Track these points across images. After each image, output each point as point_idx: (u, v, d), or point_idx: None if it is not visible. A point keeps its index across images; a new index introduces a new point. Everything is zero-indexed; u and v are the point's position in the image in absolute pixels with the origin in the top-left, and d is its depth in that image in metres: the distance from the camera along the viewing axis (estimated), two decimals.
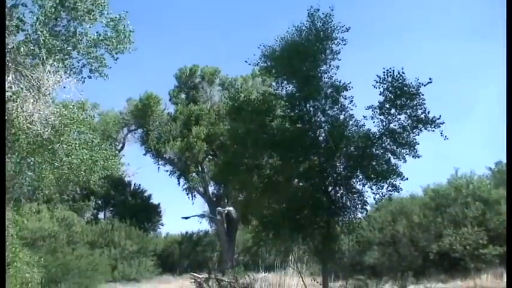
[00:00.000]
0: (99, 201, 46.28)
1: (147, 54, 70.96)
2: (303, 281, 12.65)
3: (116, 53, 12.35)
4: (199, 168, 40.63)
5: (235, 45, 78.84)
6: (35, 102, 11.54)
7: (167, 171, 40.70)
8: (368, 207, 14.75)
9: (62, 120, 11.77)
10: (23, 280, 12.41)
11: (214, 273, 16.42)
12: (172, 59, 75.70)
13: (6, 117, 11.09)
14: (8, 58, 11.77)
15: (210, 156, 41.11)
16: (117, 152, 30.24)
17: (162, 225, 49.15)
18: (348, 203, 14.18)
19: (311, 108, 14.45)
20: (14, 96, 10.95)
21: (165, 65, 76.31)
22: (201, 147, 37.95)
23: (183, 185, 40.33)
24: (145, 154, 40.91)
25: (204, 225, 50.25)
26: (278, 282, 15.29)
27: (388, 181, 13.41)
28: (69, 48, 11.90)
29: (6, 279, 9.53)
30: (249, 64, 14.76)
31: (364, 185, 13.82)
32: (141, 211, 44.79)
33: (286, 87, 14.67)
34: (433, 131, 13.15)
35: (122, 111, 42.33)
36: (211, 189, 41.85)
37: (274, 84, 15.43)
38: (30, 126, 11.28)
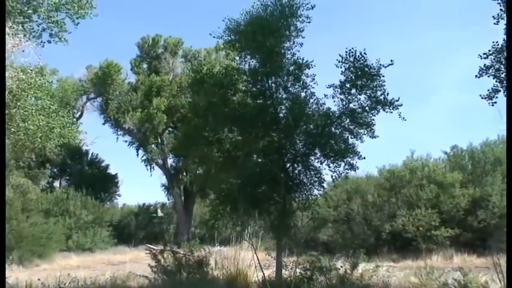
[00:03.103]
0: (55, 170, 45.76)
1: (109, 21, 69.69)
2: (256, 255, 12.77)
3: (77, 18, 12.15)
4: (159, 140, 40.43)
5: (199, 17, 78.08)
6: None
7: (126, 141, 40.55)
8: (325, 185, 14.93)
9: (19, 85, 11.56)
10: None
11: (170, 246, 16.39)
12: (134, 27, 74.56)
13: None
14: None
15: (170, 129, 40.96)
16: (75, 119, 29.79)
17: (119, 196, 49.00)
18: (305, 180, 14.28)
19: (273, 85, 14.40)
20: None
21: (128, 33, 75.14)
22: (161, 119, 37.76)
23: (142, 156, 40.21)
24: (104, 123, 40.63)
25: (162, 197, 50.17)
26: (233, 256, 15.38)
27: (345, 160, 13.61)
28: (30, 11, 11.65)
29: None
30: (213, 37, 14.57)
31: (321, 163, 13.98)
32: (98, 181, 44.47)
33: (249, 62, 14.56)
34: (391, 112, 13.34)
35: (82, 78, 41.70)
36: (170, 161, 41.84)
37: (237, 58, 15.34)
38: None
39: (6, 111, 11.69)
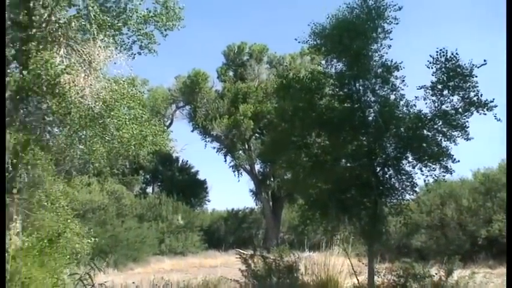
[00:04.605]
0: (148, 176, 47.16)
1: (195, 31, 71.32)
2: (349, 261, 12.54)
3: (165, 30, 12.40)
4: (246, 146, 40.82)
5: (284, 23, 78.30)
6: (87, 77, 11.71)
7: (214, 148, 41.21)
8: (417, 189, 14.49)
9: (112, 95, 11.91)
10: (72, 250, 12.72)
11: (259, 250, 16.49)
12: (220, 36, 75.83)
13: (57, 91, 11.33)
14: (59, 32, 11.99)
15: (256, 135, 41.22)
16: (165, 127, 30.63)
17: (209, 201, 49.81)
18: (397, 185, 13.96)
19: (360, 88, 14.22)
20: (68, 69, 11.15)
21: (213, 42, 76.52)
22: (248, 125, 38.06)
23: (230, 162, 40.76)
24: (192, 131, 41.49)
25: (250, 203, 50.57)
26: (323, 262, 15.20)
27: (439, 163, 13.12)
28: (120, 24, 12.01)
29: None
30: (299, 42, 14.58)
31: (413, 167, 13.58)
32: (188, 187, 45.45)
33: (336, 66, 14.46)
34: (485, 114, 12.75)
35: (171, 87, 42.86)
36: (257, 167, 42.05)
37: (323, 62, 15.27)
38: (82, 100, 11.46)
39: (100, 121, 12.13)
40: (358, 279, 12.92)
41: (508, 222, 9.27)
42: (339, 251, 15.80)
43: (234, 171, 40.91)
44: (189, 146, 55.56)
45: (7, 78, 11.32)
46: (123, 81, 12.57)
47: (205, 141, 41.06)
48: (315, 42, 14.34)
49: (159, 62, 66.11)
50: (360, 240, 16.07)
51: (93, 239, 13.19)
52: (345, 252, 14.22)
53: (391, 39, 14.06)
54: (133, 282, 15.00)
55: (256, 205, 45.44)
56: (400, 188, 13.87)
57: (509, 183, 10.44)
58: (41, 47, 11.38)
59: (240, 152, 40.47)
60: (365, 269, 13.91)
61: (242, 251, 17.57)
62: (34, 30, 12.00)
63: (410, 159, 13.60)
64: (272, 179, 41.22)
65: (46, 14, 11.98)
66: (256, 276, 14.81)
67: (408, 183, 13.76)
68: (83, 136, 12.96)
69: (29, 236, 11.61)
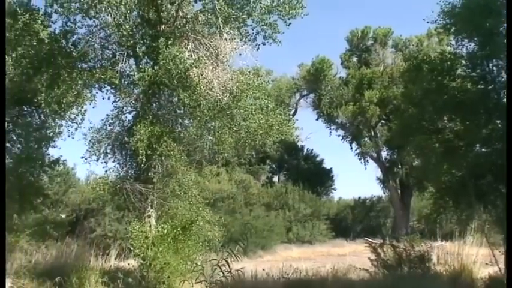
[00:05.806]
0: (274, 165, 47.76)
1: (317, 18, 70.97)
2: (491, 249, 11.86)
3: (289, 19, 12.39)
4: (372, 132, 40.06)
5: (408, 4, 75.70)
6: (214, 69, 12.06)
7: (339, 136, 40.90)
8: None
9: (239, 86, 12.15)
10: (205, 238, 13.20)
11: (388, 240, 16.12)
12: (342, 22, 74.88)
13: (187, 84, 11.74)
14: (187, 27, 12.43)
15: (382, 121, 40.31)
16: (290, 116, 30.83)
17: (335, 190, 49.54)
18: None
19: (494, 68, 13.53)
20: (196, 63, 11.53)
21: (335, 28, 75.74)
22: (373, 112, 37.29)
23: (355, 150, 40.22)
24: (317, 119, 41.46)
25: (377, 191, 49.69)
26: (456, 252, 14.55)
27: None
28: (244, 16, 12.17)
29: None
30: (427, 22, 14.24)
31: None
32: (314, 175, 45.45)
33: (467, 46, 13.87)
34: None
35: (294, 76, 43.06)
36: (384, 154, 41.19)
37: (453, 42, 14.67)
38: (210, 92, 11.81)
39: (228, 112, 12.41)
40: (499, 268, 12.21)
41: (508, 221, 8.60)
42: (473, 240, 15.06)
43: (360, 159, 40.45)
44: (314, 135, 55.67)
45: (139, 74, 11.90)
46: (249, 72, 12.79)
47: (330, 129, 40.96)
48: (444, 22, 13.87)
49: (282, 51, 66.63)
50: (495, 228, 15.24)
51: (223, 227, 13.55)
52: (486, 239, 13.48)
53: None
54: (263, 269, 15.23)
55: (384, 193, 44.61)
56: None
57: (509, 182, 9.62)
58: (169, 42, 11.82)
59: (366, 139, 39.82)
60: (501, 259, 13.16)
61: (371, 240, 17.25)
62: (163, 27, 12.55)
63: None
64: (400, 166, 40.13)
65: (174, 10, 12.48)
66: (386, 266, 14.51)
67: None
68: (211, 127, 13.32)
69: (164, 223, 12.20)
